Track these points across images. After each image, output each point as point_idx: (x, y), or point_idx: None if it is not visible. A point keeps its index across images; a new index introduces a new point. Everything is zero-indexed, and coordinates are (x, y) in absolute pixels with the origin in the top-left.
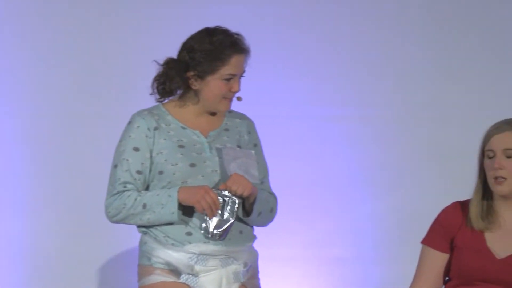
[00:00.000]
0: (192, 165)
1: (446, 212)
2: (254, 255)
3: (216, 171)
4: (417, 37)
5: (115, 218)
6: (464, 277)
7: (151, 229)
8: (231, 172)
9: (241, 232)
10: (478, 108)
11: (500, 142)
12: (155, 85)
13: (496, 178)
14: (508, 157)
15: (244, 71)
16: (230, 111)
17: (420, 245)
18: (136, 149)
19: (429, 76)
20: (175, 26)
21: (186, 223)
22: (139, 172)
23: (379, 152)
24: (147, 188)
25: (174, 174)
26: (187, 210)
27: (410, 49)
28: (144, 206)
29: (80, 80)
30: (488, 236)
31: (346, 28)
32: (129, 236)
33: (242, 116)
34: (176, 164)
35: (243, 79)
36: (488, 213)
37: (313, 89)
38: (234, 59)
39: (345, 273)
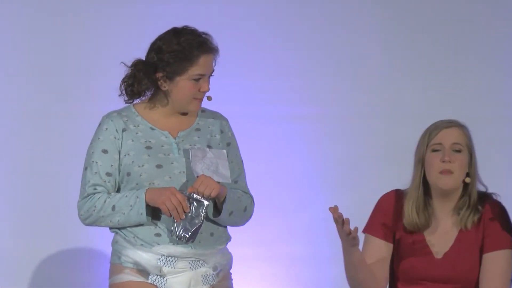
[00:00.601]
0: (159, 166)
1: (383, 200)
2: (227, 257)
3: (184, 172)
4: (373, 36)
5: (87, 221)
6: (408, 276)
7: (121, 229)
8: (198, 173)
9: (212, 234)
10: (434, 106)
11: (450, 136)
12: (123, 86)
13: (442, 172)
14: (456, 151)
15: (213, 71)
16: (204, 110)
17: None
18: (105, 151)
19: (386, 75)
20: (142, 25)
21: (155, 225)
22: (108, 174)
23: (335, 150)
24: (118, 190)
25: (140, 175)
26: (156, 212)
27: (367, 48)
28: (113, 208)
29: (41, 79)
30: (426, 235)
31: (303, 27)
32: (86, 234)
33: (215, 115)
34: (143, 166)
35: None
36: (425, 209)
37: (268, 88)
38: (202, 59)
39: (301, 272)
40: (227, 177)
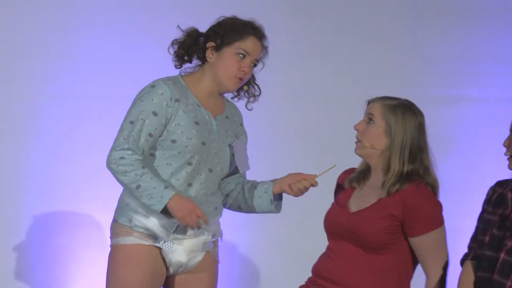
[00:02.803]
0: (203, 143)
1: (341, 173)
2: (219, 225)
3: (218, 154)
4: (285, 22)
5: (114, 171)
6: (326, 229)
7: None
8: (244, 169)
9: (216, 208)
10: (344, 87)
11: (369, 107)
12: (175, 47)
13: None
14: (369, 121)
15: (257, 60)
16: (227, 100)
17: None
18: (155, 114)
19: (295, 57)
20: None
21: None
22: (150, 135)
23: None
24: (154, 150)
25: (186, 147)
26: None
27: (278, 34)
28: (138, 187)
29: None
30: (355, 193)
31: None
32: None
33: (236, 108)
34: (191, 139)
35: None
36: (365, 172)
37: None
38: (251, 40)
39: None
40: (248, 165)
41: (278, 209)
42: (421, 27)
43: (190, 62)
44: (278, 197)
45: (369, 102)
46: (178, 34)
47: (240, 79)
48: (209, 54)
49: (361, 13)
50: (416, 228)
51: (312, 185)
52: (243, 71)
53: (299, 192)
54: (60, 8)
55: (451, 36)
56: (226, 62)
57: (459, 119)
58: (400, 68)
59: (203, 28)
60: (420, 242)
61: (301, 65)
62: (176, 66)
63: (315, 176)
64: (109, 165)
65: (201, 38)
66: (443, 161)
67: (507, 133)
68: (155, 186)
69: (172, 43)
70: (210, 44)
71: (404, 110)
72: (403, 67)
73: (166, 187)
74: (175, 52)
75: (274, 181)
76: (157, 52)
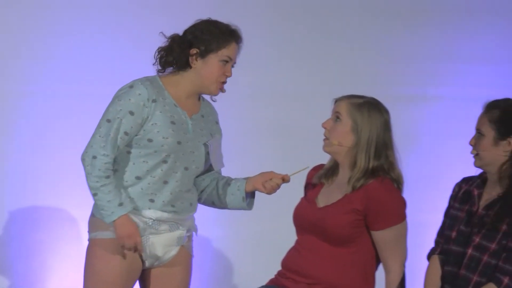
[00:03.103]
0: (179, 142)
1: (311, 170)
2: (193, 220)
3: (193, 152)
4: (257, 25)
5: (84, 166)
6: (294, 224)
7: None
8: (218, 168)
9: (191, 204)
10: (313, 86)
11: (337, 106)
12: (159, 55)
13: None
14: (336, 119)
15: (235, 62)
16: (203, 99)
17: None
18: (132, 113)
19: (267, 58)
20: None
21: (152, 193)
22: (126, 133)
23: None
24: (130, 148)
25: (162, 146)
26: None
27: (251, 36)
28: (96, 194)
29: None
30: (323, 189)
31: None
32: None
33: (211, 106)
34: (167, 138)
35: None
36: (333, 169)
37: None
38: (233, 46)
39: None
40: (222, 163)
41: (250, 206)
42: (387, 29)
43: (173, 67)
44: (250, 195)
45: (336, 101)
46: (152, 34)
47: (223, 83)
48: (193, 60)
49: (330, 17)
50: (378, 222)
51: (284, 181)
52: (226, 75)
53: (272, 190)
54: (37, 9)
55: (415, 37)
56: (211, 69)
57: (422, 116)
58: (367, 68)
59: (178, 29)
60: (381, 236)
61: (272, 66)
62: (159, 71)
63: (287, 175)
64: (82, 160)
65: (185, 45)
66: (407, 157)
67: (468, 130)
68: (110, 200)
69: (159, 51)
70: (194, 50)
71: (370, 108)
72: (370, 67)
73: (120, 204)
74: (162, 59)
75: (247, 179)
76: (134, 52)
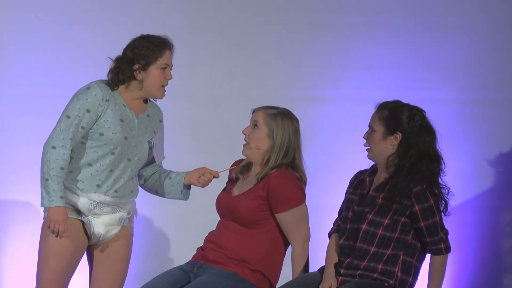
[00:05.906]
0: (126, 137)
1: (233, 163)
2: (134, 204)
3: (137, 146)
4: (178, 35)
5: (43, 153)
6: (216, 209)
7: (65, 179)
8: (160, 160)
9: (132, 191)
10: (229, 89)
11: (254, 115)
12: (110, 76)
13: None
14: (254, 126)
15: (172, 65)
16: (150, 100)
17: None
18: (88, 111)
19: (186, 64)
20: None
21: (99, 179)
22: (82, 128)
23: None
24: (85, 139)
25: (111, 139)
26: (101, 174)
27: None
28: (46, 180)
29: None
30: (239, 182)
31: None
32: None
33: (157, 107)
34: (116, 133)
35: None
36: (248, 166)
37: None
38: (167, 53)
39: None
40: (163, 156)
41: (186, 197)
42: (292, 41)
43: (123, 83)
44: (187, 187)
45: (254, 111)
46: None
47: (164, 86)
48: (137, 74)
49: (244, 31)
50: (278, 206)
51: (215, 177)
52: (168, 79)
53: (205, 184)
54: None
55: (315, 48)
56: (154, 78)
57: (320, 115)
58: (274, 73)
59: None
60: (283, 218)
61: (190, 71)
62: (113, 89)
63: (217, 172)
64: (43, 149)
65: (128, 63)
66: (307, 148)
67: (359, 127)
68: (56, 190)
69: (112, 72)
70: (136, 66)
71: (283, 117)
72: (276, 72)
73: (61, 197)
74: (115, 78)
75: (185, 174)
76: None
